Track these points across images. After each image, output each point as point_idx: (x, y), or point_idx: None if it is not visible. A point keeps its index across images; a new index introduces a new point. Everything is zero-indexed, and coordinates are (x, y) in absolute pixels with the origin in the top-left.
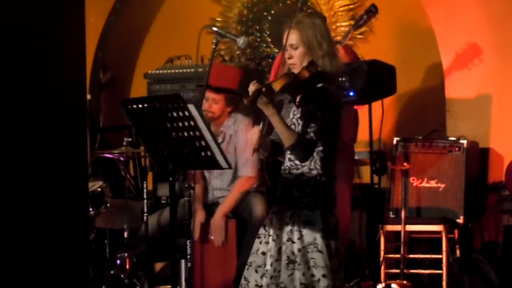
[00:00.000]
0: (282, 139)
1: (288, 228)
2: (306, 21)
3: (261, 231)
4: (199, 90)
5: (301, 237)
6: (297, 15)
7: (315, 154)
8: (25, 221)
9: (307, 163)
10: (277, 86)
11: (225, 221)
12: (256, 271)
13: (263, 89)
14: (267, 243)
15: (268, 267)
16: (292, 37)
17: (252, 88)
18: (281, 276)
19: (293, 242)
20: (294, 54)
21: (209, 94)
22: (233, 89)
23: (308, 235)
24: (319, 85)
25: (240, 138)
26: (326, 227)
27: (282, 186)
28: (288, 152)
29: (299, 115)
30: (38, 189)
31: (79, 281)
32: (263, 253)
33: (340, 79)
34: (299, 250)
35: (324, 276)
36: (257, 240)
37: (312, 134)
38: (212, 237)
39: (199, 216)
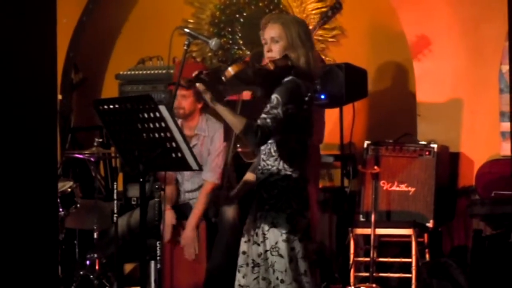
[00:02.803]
0: (232, 126)
1: (256, 230)
2: (290, 17)
3: (244, 230)
4: (168, 91)
5: (264, 240)
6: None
7: (284, 153)
8: None
9: (276, 163)
10: (231, 71)
11: (197, 233)
12: (239, 271)
13: (202, 76)
14: (246, 242)
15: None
16: (274, 31)
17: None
18: (247, 279)
19: (258, 245)
20: (274, 48)
21: (178, 92)
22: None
23: (271, 238)
24: (288, 78)
25: (216, 145)
26: (292, 230)
27: (256, 186)
28: (263, 152)
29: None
30: (6, 188)
31: (48, 281)
32: (244, 253)
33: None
34: (260, 254)
35: (282, 281)
36: (242, 239)
37: (268, 120)
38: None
39: (169, 218)
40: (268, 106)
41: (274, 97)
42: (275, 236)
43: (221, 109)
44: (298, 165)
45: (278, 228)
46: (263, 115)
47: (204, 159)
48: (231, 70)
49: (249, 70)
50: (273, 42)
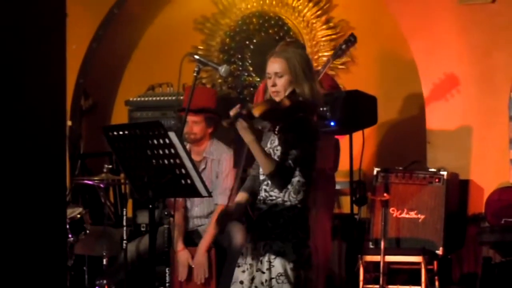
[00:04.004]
0: (261, 166)
1: (260, 258)
2: (291, 50)
3: (240, 260)
4: (177, 116)
5: (270, 268)
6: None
7: (289, 185)
8: (1, 248)
9: (281, 194)
10: (257, 112)
11: (208, 256)
12: None
13: (243, 112)
14: (243, 272)
15: None
16: (278, 65)
17: (233, 111)
18: None
19: (263, 273)
20: (279, 82)
21: (189, 117)
22: (211, 108)
23: (279, 266)
24: (299, 114)
25: (223, 167)
26: (298, 258)
27: (257, 216)
28: (265, 183)
29: (276, 144)
30: (15, 214)
31: None
32: (241, 282)
33: (321, 108)
34: (266, 281)
35: None
36: (237, 269)
37: (290, 162)
38: (193, 265)
39: (183, 258)
40: (286, 146)
41: (291, 137)
42: (283, 265)
43: (256, 148)
44: (303, 196)
45: (285, 257)
46: (283, 157)
47: (213, 183)
48: (256, 113)
49: (271, 110)
50: (277, 77)
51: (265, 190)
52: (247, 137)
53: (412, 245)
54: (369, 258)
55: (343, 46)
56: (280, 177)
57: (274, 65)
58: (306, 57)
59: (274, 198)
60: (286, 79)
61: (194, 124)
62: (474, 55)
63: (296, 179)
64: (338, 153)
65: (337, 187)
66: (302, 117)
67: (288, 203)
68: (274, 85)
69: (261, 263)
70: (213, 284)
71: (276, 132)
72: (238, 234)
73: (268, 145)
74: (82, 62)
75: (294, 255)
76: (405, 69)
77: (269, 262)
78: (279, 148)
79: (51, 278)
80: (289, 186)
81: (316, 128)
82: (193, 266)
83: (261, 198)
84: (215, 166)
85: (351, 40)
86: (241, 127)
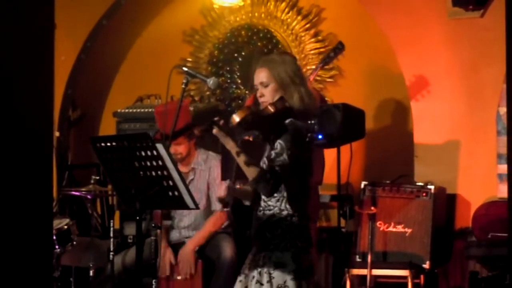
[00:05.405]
0: (246, 173)
1: (259, 269)
2: (275, 58)
3: (241, 271)
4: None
5: (270, 280)
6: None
7: (285, 194)
8: None
9: (278, 203)
10: (236, 118)
11: (195, 254)
12: None
13: (218, 119)
14: (240, 281)
15: None
16: (262, 75)
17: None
18: None
19: (261, 284)
20: (266, 92)
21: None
22: (187, 125)
23: (279, 277)
24: (287, 120)
25: (214, 174)
26: (298, 268)
27: (257, 226)
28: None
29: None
30: (1, 225)
31: None
32: None
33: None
34: None
35: None
36: (237, 279)
37: (277, 168)
38: (179, 277)
39: (167, 255)
40: (273, 153)
41: (278, 143)
42: (283, 276)
43: (238, 155)
44: (300, 204)
45: (285, 267)
46: (270, 163)
47: (203, 192)
48: (236, 118)
49: (252, 115)
50: (263, 87)
51: (264, 200)
52: (228, 144)
53: (399, 258)
54: (356, 271)
55: (331, 54)
56: (265, 184)
57: (259, 75)
58: (292, 63)
59: (271, 207)
60: (271, 87)
61: (177, 146)
62: (463, 69)
63: (291, 188)
64: (324, 166)
65: (325, 200)
66: (290, 123)
67: (285, 212)
68: (261, 95)
69: (260, 274)
70: None
71: (269, 141)
72: (227, 247)
73: (266, 155)
74: (71, 73)
75: (294, 265)
76: (393, 83)
77: (269, 274)
78: None
79: None
80: (285, 195)
81: (307, 134)
82: (174, 263)
83: (261, 208)
84: (204, 176)
85: (339, 48)
86: (220, 134)
